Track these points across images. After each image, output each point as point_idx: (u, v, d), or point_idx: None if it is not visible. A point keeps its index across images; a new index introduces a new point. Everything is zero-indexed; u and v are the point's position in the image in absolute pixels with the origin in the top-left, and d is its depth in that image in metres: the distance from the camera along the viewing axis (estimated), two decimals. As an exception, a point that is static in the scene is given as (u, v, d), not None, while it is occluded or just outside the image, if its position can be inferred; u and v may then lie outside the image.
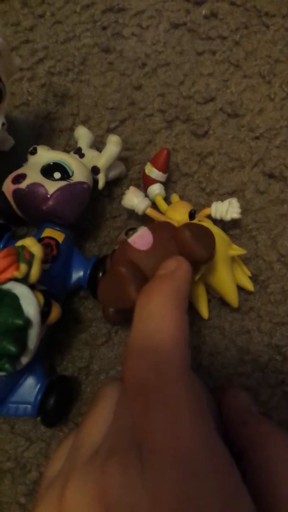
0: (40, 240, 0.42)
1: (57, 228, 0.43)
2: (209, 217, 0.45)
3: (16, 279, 0.35)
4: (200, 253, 0.34)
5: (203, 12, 0.57)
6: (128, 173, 0.51)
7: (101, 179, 0.45)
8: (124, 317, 0.43)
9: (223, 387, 0.40)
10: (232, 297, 0.42)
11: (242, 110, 0.53)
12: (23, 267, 0.35)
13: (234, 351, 0.44)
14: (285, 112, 0.52)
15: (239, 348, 0.44)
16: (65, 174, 0.42)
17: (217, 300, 0.45)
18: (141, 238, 0.37)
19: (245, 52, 0.55)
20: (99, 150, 0.47)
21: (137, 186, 0.50)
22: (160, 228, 0.38)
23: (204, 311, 0.43)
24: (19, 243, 0.36)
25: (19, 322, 0.33)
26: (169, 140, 0.52)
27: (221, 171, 0.51)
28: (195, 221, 0.42)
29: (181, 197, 0.49)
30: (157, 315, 0.27)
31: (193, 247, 0.34)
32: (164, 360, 0.25)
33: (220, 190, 0.50)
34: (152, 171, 0.46)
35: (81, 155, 0.47)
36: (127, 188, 0.49)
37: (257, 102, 0.53)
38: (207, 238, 0.37)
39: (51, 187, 0.41)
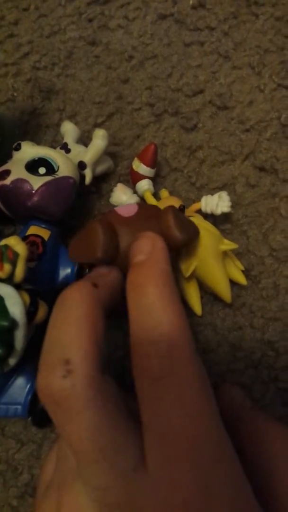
0: (25, 238, 0.42)
1: (43, 226, 0.43)
2: (199, 212, 0.44)
3: (0, 280, 0.34)
4: (176, 235, 0.34)
5: (191, 2, 0.57)
6: (116, 168, 0.51)
7: (88, 174, 0.45)
8: (114, 312, 0.42)
9: (216, 384, 0.40)
10: (225, 292, 0.41)
11: (232, 102, 0.52)
12: (7, 267, 0.34)
13: (227, 348, 0.43)
14: (275, 104, 0.52)
15: (231, 344, 0.43)
16: (50, 169, 0.42)
17: (209, 296, 0.45)
18: (126, 207, 0.38)
19: (234, 42, 0.55)
20: (87, 145, 0.46)
21: (126, 182, 0.50)
22: (146, 206, 0.39)
23: (197, 308, 0.43)
24: (2, 242, 0.36)
25: (4, 323, 0.33)
26: (158, 134, 0.52)
27: (211, 165, 0.50)
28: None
29: (171, 193, 0.49)
30: (156, 307, 0.27)
31: (171, 227, 0.34)
32: (173, 347, 0.26)
33: (210, 185, 0.49)
34: (140, 167, 0.46)
35: (67, 150, 0.46)
36: (116, 184, 0.48)
37: (247, 93, 0.53)
38: (189, 225, 0.38)
39: (36, 182, 0.41)
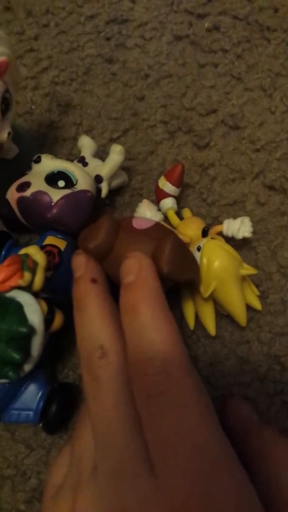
0: (42, 248, 0.43)
1: (59, 236, 0.44)
2: (220, 234, 0.45)
3: (20, 287, 0.35)
4: (161, 267, 0.35)
5: (206, 25, 0.58)
6: (130, 182, 0.51)
7: (104, 188, 0.46)
8: None
9: (224, 397, 0.40)
10: (241, 316, 0.42)
11: (243, 122, 0.54)
12: (27, 275, 0.35)
13: (234, 361, 0.44)
14: (285, 125, 0.53)
15: (238, 358, 0.44)
16: (69, 182, 0.43)
17: (217, 310, 0.45)
18: (142, 220, 0.40)
19: (246, 65, 0.56)
20: (102, 159, 0.47)
21: (139, 195, 0.51)
22: (162, 228, 0.40)
23: (211, 328, 0.43)
24: (23, 251, 0.37)
25: (24, 330, 0.33)
26: (171, 151, 0.53)
27: (222, 182, 0.51)
28: (208, 237, 0.43)
29: (182, 207, 0.50)
30: (149, 326, 0.29)
31: (161, 258, 0.35)
32: (168, 363, 0.27)
33: (221, 201, 0.50)
34: (166, 185, 0.47)
35: (85, 164, 0.47)
36: (129, 197, 0.50)
37: (258, 115, 0.54)
38: (187, 264, 0.39)
39: (55, 195, 0.41)
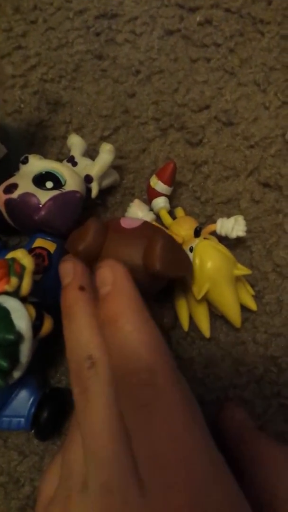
0: (31, 251, 0.42)
1: (49, 238, 0.43)
2: (213, 233, 0.44)
3: (6, 293, 0.34)
4: (153, 265, 0.35)
5: (198, 18, 0.57)
6: (121, 181, 0.51)
7: (94, 188, 0.45)
8: None
9: (219, 402, 0.40)
10: (235, 317, 0.42)
11: (237, 118, 0.53)
12: (13, 280, 0.34)
13: (230, 363, 0.43)
14: (280, 121, 0.52)
15: (234, 359, 0.43)
16: (58, 183, 0.42)
17: (212, 311, 0.45)
18: (131, 220, 0.39)
19: (239, 59, 0.55)
20: (93, 158, 0.47)
21: (131, 195, 0.50)
22: (151, 226, 0.40)
23: (205, 330, 0.43)
24: (10, 255, 0.36)
25: (11, 337, 0.33)
26: (164, 148, 0.52)
27: (215, 180, 0.50)
28: (200, 237, 0.42)
29: (176, 206, 0.49)
30: (132, 338, 0.28)
31: (152, 256, 0.35)
32: (154, 374, 0.26)
33: (215, 199, 0.49)
34: (158, 184, 0.46)
35: (74, 164, 0.46)
36: (121, 196, 0.49)
37: (252, 110, 0.53)
38: (180, 260, 0.38)
39: (43, 196, 0.41)
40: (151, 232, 0.38)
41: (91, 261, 0.38)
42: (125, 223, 0.39)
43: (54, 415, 0.39)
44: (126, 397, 0.26)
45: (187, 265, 0.39)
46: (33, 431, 0.38)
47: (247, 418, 0.37)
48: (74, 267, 0.33)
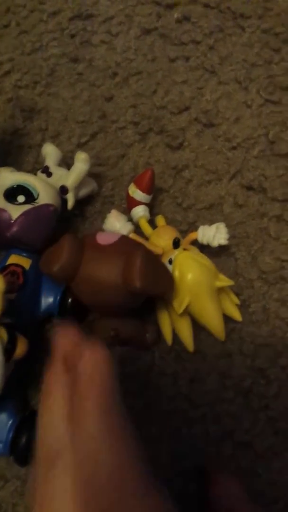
0: (5, 268, 0.40)
1: (24, 254, 0.42)
2: (195, 242, 0.43)
3: (-23, 316, 0.33)
4: (133, 283, 0.34)
5: (175, 15, 0.55)
6: (100, 190, 0.49)
7: (70, 199, 0.44)
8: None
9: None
10: (218, 330, 0.40)
11: (218, 119, 0.51)
12: (-17, 302, 0.33)
13: (216, 376, 0.42)
14: (263, 120, 0.51)
15: (220, 372, 0.42)
16: (30, 196, 0.40)
17: (196, 322, 0.43)
18: (107, 235, 0.38)
19: (219, 57, 0.53)
20: (70, 166, 0.45)
21: (110, 203, 0.48)
22: (128, 241, 0.39)
23: (188, 344, 0.42)
24: (-22, 275, 0.34)
25: (-20, 363, 0.31)
26: (143, 153, 0.50)
27: (197, 184, 0.49)
28: (179, 248, 0.40)
29: (157, 213, 0.47)
30: (93, 445, 0.26)
31: (132, 273, 0.34)
32: (117, 489, 0.25)
33: (197, 205, 0.48)
34: (136, 193, 0.44)
35: (49, 174, 0.45)
36: (100, 205, 0.47)
37: (233, 110, 0.51)
38: (160, 277, 0.37)
39: (15, 211, 0.39)
40: (129, 247, 0.37)
41: (67, 281, 0.37)
42: (101, 239, 0.37)
43: (34, 438, 0.37)
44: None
45: (168, 281, 0.38)
46: (11, 456, 0.37)
47: (241, 489, 0.36)
48: (63, 344, 0.31)
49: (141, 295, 0.38)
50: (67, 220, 0.47)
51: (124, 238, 0.38)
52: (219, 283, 0.39)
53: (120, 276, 0.35)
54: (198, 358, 0.42)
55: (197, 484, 0.38)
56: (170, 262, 0.39)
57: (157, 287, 0.36)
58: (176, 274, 0.38)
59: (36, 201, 0.40)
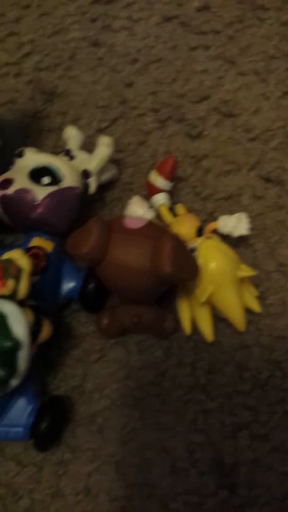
0: (27, 250, 0.39)
1: (46, 237, 0.40)
2: (215, 231, 0.42)
3: (2, 296, 0.32)
4: (163, 268, 0.33)
5: (196, 4, 0.54)
6: (120, 176, 0.47)
7: (93, 183, 0.42)
8: (118, 329, 0.40)
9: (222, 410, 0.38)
10: (239, 320, 0.39)
11: (237, 109, 0.49)
12: (10, 283, 0.32)
13: (233, 368, 0.40)
14: (281, 112, 0.49)
15: (238, 364, 0.40)
16: (55, 178, 0.39)
17: (214, 313, 0.42)
18: (135, 220, 0.37)
19: (239, 47, 0.52)
20: (90, 151, 0.43)
21: (130, 190, 0.47)
22: (156, 226, 0.37)
23: (208, 335, 0.40)
24: (5, 256, 0.33)
25: (8, 344, 0.30)
26: (162, 141, 0.49)
27: (216, 174, 0.47)
28: (203, 237, 0.39)
29: (175, 203, 0.46)
30: None
31: (162, 259, 0.33)
32: None
33: (216, 195, 0.46)
34: (157, 180, 0.43)
35: (71, 158, 0.43)
36: (120, 192, 0.46)
37: (252, 101, 0.50)
38: (188, 263, 0.36)
39: (40, 193, 0.38)
40: (158, 232, 0.35)
41: (94, 265, 0.36)
42: (129, 223, 0.36)
43: (54, 424, 0.37)
44: None
45: (195, 268, 0.36)
46: (31, 441, 0.36)
47: None
48: None
49: (169, 281, 0.36)
50: (86, 205, 0.46)
51: (152, 223, 0.36)
52: (241, 273, 0.38)
53: (148, 261, 0.33)
54: (216, 349, 0.41)
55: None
56: (192, 250, 0.38)
57: (185, 274, 0.35)
58: (200, 262, 0.38)
59: (61, 183, 0.39)
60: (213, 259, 0.37)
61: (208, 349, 0.41)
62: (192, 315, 0.40)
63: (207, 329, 0.40)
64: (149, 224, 0.36)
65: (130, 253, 0.34)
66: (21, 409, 0.36)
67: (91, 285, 0.40)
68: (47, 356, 0.41)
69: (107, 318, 0.40)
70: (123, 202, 0.46)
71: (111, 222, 0.36)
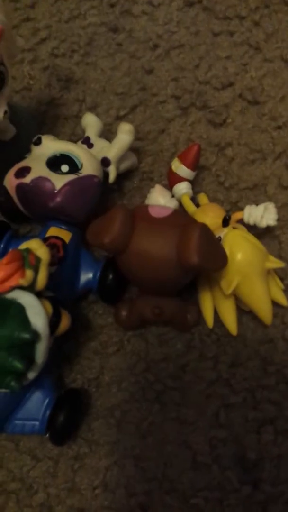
0: (45, 240, 0.39)
1: (63, 227, 0.40)
2: (240, 221, 0.42)
3: (21, 287, 0.32)
4: (190, 258, 0.33)
5: (219, -12, 0.54)
6: (139, 165, 0.48)
7: (112, 172, 0.42)
8: (138, 321, 0.40)
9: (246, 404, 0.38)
10: (267, 313, 0.39)
11: (263, 96, 0.50)
12: (29, 273, 0.32)
13: (257, 362, 0.41)
14: (309, 100, 0.49)
15: (262, 358, 0.41)
16: (74, 166, 0.39)
17: (237, 305, 0.42)
18: (160, 208, 0.37)
19: (265, 33, 0.52)
20: (108, 139, 0.44)
21: (150, 179, 0.47)
22: (181, 215, 0.38)
23: (232, 328, 0.41)
24: (23, 246, 0.33)
25: (26, 336, 0.30)
26: (184, 129, 0.49)
27: (240, 163, 0.47)
28: (229, 227, 0.39)
29: (198, 192, 0.46)
30: None
31: (189, 248, 0.33)
32: None
33: (240, 185, 0.47)
34: (180, 168, 0.43)
35: (90, 145, 0.44)
36: (139, 181, 0.46)
37: (279, 88, 0.50)
38: (216, 253, 0.36)
39: (59, 181, 0.38)
40: (185, 221, 0.36)
41: (117, 254, 0.36)
42: (154, 211, 0.36)
43: (70, 418, 0.37)
44: None
45: (223, 258, 0.36)
46: (47, 435, 0.36)
47: None
48: None
49: (195, 271, 0.37)
50: (105, 195, 0.46)
51: (177, 212, 0.37)
52: (269, 264, 0.38)
53: (174, 250, 0.34)
54: (239, 342, 0.41)
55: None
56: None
57: (213, 264, 0.35)
58: (226, 253, 0.37)
59: (80, 171, 0.39)
60: (240, 249, 0.38)
61: (231, 342, 0.42)
62: (215, 307, 0.40)
63: (231, 322, 0.40)
64: (175, 212, 0.37)
65: (155, 243, 0.35)
66: (38, 402, 0.36)
67: (110, 276, 0.40)
68: (64, 347, 0.40)
69: (126, 310, 0.40)
70: (142, 191, 0.47)
71: (134, 211, 0.37)
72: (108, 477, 0.38)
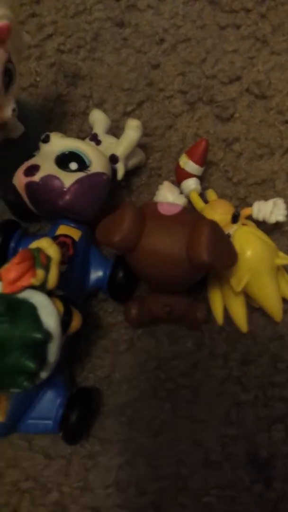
0: (54, 239, 0.39)
1: (73, 225, 0.41)
2: (249, 217, 0.42)
3: (32, 287, 0.32)
4: (200, 256, 0.33)
5: (225, -19, 0.54)
6: (147, 161, 0.48)
7: (120, 169, 0.43)
8: (148, 319, 0.40)
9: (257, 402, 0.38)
10: (277, 310, 0.39)
11: (271, 90, 0.50)
12: (40, 272, 0.32)
13: (267, 359, 0.41)
14: None
15: (272, 355, 0.41)
16: (82, 164, 0.39)
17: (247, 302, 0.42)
18: (169, 205, 0.37)
19: (272, 26, 0.52)
20: (115, 135, 0.44)
21: (158, 176, 0.47)
22: (191, 212, 0.38)
23: (242, 325, 0.41)
24: (34, 245, 0.33)
25: (39, 336, 0.30)
26: (191, 124, 0.49)
27: (248, 158, 0.48)
28: (238, 223, 0.39)
29: (205, 188, 0.46)
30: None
31: (200, 246, 0.33)
32: None
33: (249, 180, 0.47)
34: (188, 164, 0.43)
35: (98, 142, 0.44)
36: (147, 178, 0.46)
37: (286, 82, 0.50)
38: (226, 251, 0.36)
39: (68, 179, 0.38)
40: (195, 218, 0.36)
41: (127, 253, 0.36)
42: (163, 209, 0.36)
43: (83, 416, 0.37)
44: None
45: (233, 255, 0.37)
46: (61, 434, 0.37)
47: None
48: None
49: (205, 269, 0.37)
50: (113, 192, 0.46)
51: (186, 209, 0.37)
52: (279, 261, 0.38)
53: (184, 248, 0.34)
54: (249, 340, 0.42)
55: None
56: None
57: (223, 261, 0.35)
58: (236, 250, 0.38)
59: (89, 169, 0.39)
60: (249, 246, 0.38)
61: (241, 340, 0.42)
62: (225, 304, 0.40)
63: (241, 319, 0.40)
64: (185, 210, 0.37)
65: (165, 241, 0.35)
66: (51, 402, 0.37)
67: (120, 274, 0.40)
68: (75, 346, 0.41)
69: (136, 308, 0.40)
70: (150, 188, 0.47)
71: (143, 208, 0.37)
72: (120, 475, 0.38)
